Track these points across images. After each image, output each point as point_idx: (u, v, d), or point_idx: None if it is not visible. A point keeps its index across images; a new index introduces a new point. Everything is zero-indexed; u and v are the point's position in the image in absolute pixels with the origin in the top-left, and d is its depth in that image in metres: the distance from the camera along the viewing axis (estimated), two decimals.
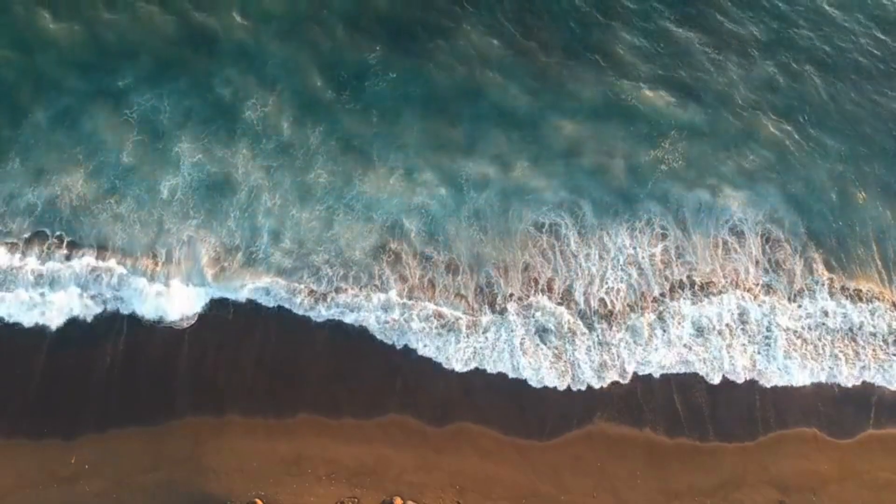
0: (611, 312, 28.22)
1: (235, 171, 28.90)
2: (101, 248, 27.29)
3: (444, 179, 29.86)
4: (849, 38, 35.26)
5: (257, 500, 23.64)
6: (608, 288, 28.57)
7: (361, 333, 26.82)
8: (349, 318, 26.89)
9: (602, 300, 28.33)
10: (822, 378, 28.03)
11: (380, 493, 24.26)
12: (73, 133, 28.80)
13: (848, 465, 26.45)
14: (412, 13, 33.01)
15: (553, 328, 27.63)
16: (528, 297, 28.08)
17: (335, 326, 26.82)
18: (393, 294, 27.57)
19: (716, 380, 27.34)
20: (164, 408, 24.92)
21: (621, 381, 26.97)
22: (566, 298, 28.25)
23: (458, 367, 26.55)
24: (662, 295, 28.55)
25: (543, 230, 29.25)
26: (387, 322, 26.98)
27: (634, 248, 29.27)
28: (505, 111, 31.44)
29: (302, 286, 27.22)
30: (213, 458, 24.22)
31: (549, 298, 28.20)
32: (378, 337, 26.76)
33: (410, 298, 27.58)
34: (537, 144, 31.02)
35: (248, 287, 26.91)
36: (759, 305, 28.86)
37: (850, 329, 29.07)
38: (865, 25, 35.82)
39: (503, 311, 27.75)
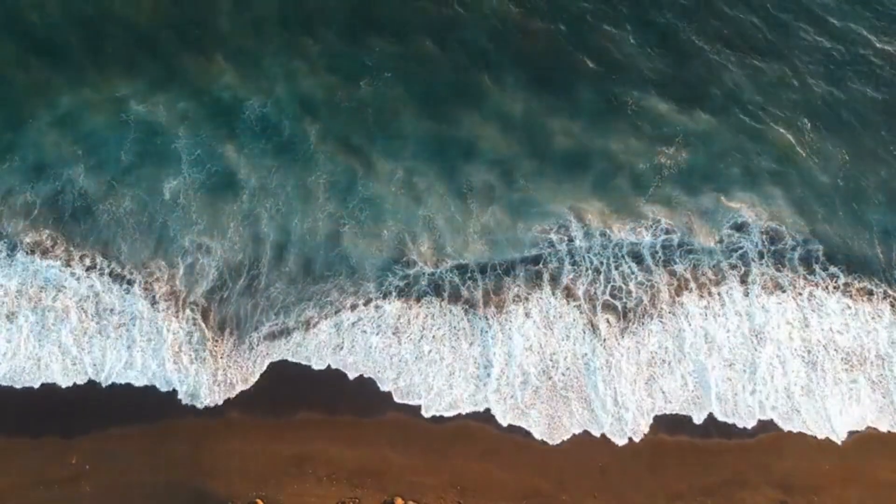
0: (624, 317, 27.97)
1: (236, 173, 28.88)
2: (104, 253, 27.36)
3: (445, 182, 29.73)
4: (853, 41, 35.13)
5: (258, 501, 23.62)
6: (614, 286, 28.37)
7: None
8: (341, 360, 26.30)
9: (610, 304, 28.11)
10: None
11: (381, 493, 24.21)
12: (73, 134, 28.96)
13: (850, 464, 26.33)
14: (407, 14, 32.95)
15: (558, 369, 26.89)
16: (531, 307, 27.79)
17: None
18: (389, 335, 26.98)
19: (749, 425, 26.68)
20: (164, 408, 24.96)
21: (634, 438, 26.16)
22: (570, 295, 28.17)
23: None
24: (671, 303, 28.34)
25: (550, 232, 29.11)
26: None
27: (640, 241, 29.16)
28: (504, 113, 31.40)
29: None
30: (214, 459, 24.21)
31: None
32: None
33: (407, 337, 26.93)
34: (537, 147, 30.95)
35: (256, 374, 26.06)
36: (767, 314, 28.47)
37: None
38: (870, 30, 35.69)
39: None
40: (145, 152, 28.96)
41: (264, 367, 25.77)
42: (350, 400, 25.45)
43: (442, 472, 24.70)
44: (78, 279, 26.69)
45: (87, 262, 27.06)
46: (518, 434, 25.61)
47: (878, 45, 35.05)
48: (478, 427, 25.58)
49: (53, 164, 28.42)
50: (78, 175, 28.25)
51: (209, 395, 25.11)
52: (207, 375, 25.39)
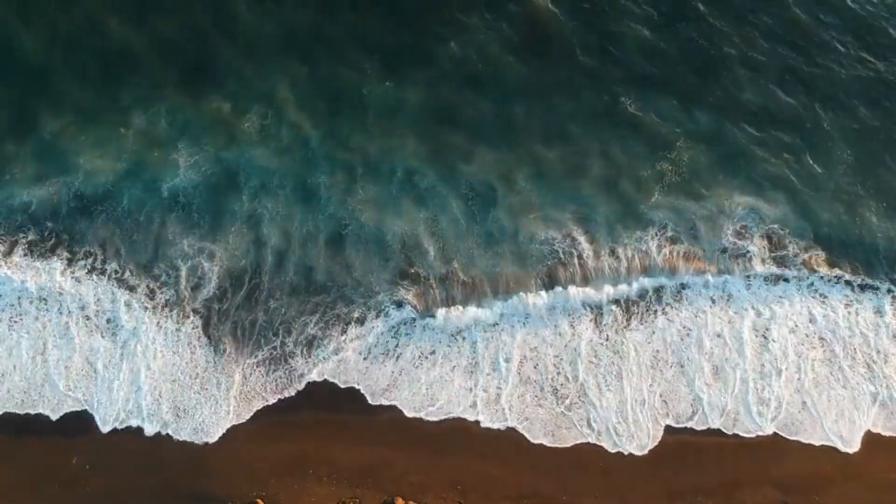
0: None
1: (235, 180, 29.06)
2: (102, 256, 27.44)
3: (447, 188, 29.82)
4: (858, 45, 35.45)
5: (258, 501, 23.56)
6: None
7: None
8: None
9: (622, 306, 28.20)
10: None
11: (381, 493, 24.15)
12: (72, 146, 29.14)
13: (851, 466, 26.22)
14: (408, 21, 33.40)
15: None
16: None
17: None
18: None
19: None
20: None
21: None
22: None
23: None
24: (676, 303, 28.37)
25: (555, 243, 29.06)
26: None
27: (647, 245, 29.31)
28: (505, 117, 31.68)
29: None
30: (214, 459, 24.23)
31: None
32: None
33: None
34: (539, 153, 31.12)
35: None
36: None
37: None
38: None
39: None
40: (144, 163, 29.06)
41: (257, 408, 25.33)
42: (350, 399, 25.46)
43: (442, 472, 24.66)
44: (68, 288, 26.64)
45: (86, 267, 27.09)
46: (519, 434, 25.60)
47: (879, 53, 35.39)
48: (478, 427, 25.55)
49: (52, 175, 28.50)
50: (76, 186, 28.36)
51: (205, 433, 24.89)
52: (202, 414, 25.17)
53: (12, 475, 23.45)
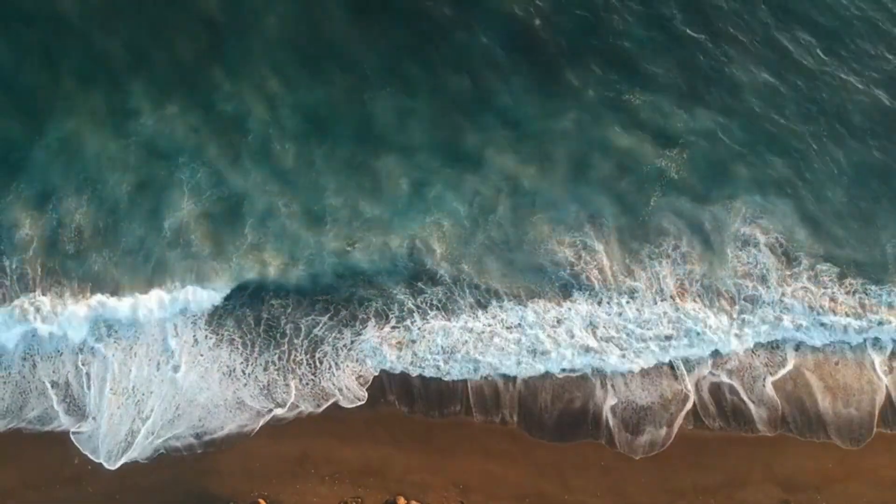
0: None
1: (239, 193, 28.75)
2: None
3: (453, 194, 29.69)
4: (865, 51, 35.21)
5: (260, 501, 23.59)
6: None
7: None
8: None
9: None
10: None
11: (383, 493, 24.18)
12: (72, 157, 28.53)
13: (853, 463, 26.27)
14: (408, 20, 33.23)
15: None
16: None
17: None
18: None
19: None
20: None
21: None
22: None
23: None
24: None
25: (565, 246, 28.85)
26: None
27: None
28: (508, 119, 31.57)
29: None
30: (216, 459, 24.23)
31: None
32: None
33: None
34: (543, 154, 31.00)
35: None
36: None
37: None
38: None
39: None
40: (146, 178, 28.50)
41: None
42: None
43: (444, 471, 24.69)
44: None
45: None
46: (522, 433, 25.65)
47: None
48: (480, 426, 25.60)
49: (54, 191, 27.75)
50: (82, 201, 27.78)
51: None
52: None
53: (15, 474, 23.43)
